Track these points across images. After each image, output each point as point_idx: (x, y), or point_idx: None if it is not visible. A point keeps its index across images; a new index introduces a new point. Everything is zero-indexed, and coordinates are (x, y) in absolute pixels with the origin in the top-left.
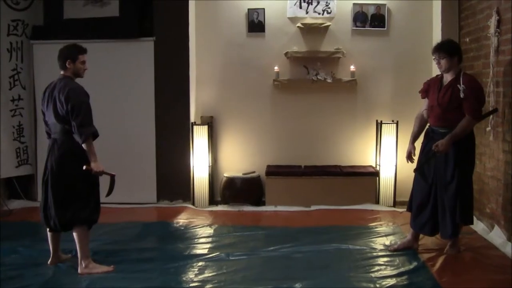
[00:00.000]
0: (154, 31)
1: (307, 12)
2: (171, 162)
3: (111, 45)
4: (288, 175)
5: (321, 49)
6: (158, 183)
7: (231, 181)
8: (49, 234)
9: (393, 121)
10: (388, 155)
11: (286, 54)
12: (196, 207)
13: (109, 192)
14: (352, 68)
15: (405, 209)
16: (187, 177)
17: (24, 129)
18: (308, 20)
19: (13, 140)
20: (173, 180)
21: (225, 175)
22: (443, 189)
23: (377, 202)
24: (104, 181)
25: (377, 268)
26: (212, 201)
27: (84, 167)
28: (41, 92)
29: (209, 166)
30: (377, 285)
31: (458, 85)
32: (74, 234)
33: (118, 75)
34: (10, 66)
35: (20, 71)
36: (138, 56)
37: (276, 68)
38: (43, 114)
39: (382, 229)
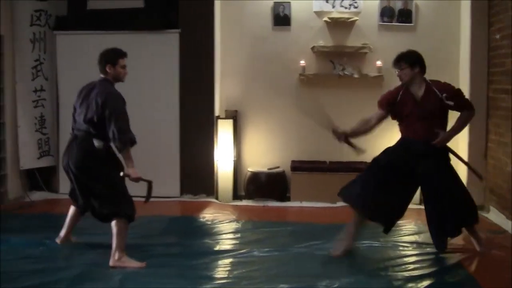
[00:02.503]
0: (179, 23)
1: (333, 6)
2: (195, 156)
3: (135, 37)
4: (313, 170)
5: (347, 44)
6: (182, 177)
7: (255, 176)
8: (72, 211)
9: None
10: None
11: (312, 48)
12: (220, 201)
13: (147, 199)
14: (378, 63)
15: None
16: (211, 171)
17: (46, 120)
18: (335, 15)
19: (35, 131)
20: (197, 174)
21: (250, 169)
22: (439, 196)
23: None
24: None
25: (412, 266)
26: (236, 195)
27: (122, 174)
28: (64, 83)
29: (233, 161)
30: (418, 285)
31: (439, 95)
32: (113, 227)
33: (142, 68)
34: (33, 56)
35: (43, 62)
36: (163, 49)
37: (302, 62)
38: (74, 109)
39: (410, 226)
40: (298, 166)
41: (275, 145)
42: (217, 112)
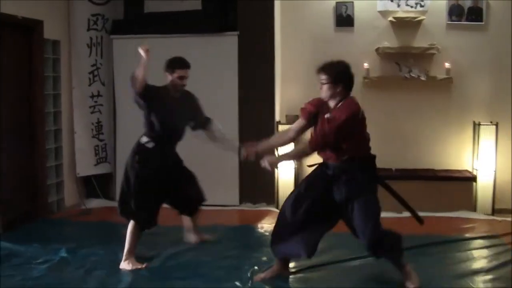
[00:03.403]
0: (238, 25)
1: (398, 6)
2: (255, 163)
3: (193, 40)
4: None
5: (414, 45)
6: (241, 185)
7: None
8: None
9: (491, 122)
10: (486, 159)
11: (377, 50)
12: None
13: None
14: (447, 65)
15: None
16: (272, 179)
17: (103, 126)
18: (400, 14)
19: (92, 138)
20: (257, 182)
21: None
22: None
23: (473, 209)
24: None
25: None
26: None
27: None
28: (120, 88)
29: (294, 168)
30: None
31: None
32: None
33: (199, 72)
34: (90, 61)
35: (99, 67)
36: (221, 51)
37: (366, 64)
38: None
39: (481, 240)
40: None
41: None
42: (277, 117)
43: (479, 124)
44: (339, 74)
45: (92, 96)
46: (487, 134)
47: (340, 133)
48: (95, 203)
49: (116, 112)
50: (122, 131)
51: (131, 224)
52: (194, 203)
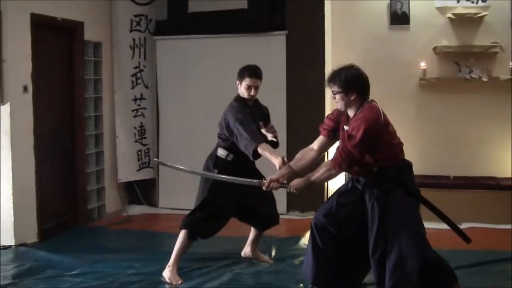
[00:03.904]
0: (286, 24)
1: (458, 1)
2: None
3: (239, 40)
4: (436, 187)
5: (475, 43)
6: (288, 192)
7: None
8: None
9: None
10: None
11: (434, 49)
12: None
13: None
14: (511, 64)
15: None
16: (321, 185)
17: (146, 130)
18: (460, 10)
19: (134, 142)
20: (305, 189)
21: None
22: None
23: None
24: None
25: None
26: None
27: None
28: (164, 90)
29: (344, 173)
30: None
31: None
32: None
33: None
34: (133, 63)
35: (142, 69)
36: (269, 52)
37: (423, 65)
38: None
39: None
40: (418, 182)
41: None
42: None
43: None
44: (349, 81)
45: (135, 99)
46: None
47: (363, 147)
48: (137, 209)
49: (160, 115)
50: (165, 135)
51: (182, 232)
52: (265, 224)
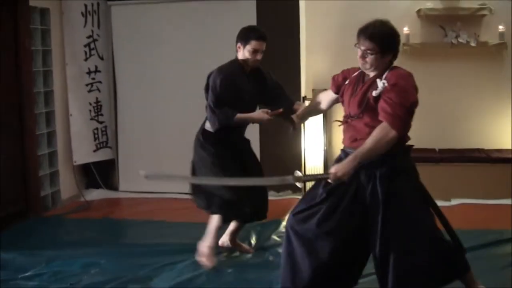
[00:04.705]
0: None
1: None
2: (278, 144)
3: (206, 6)
4: (421, 160)
5: (461, 5)
6: (264, 169)
7: None
8: None
9: None
10: None
11: (418, 12)
12: None
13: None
14: (501, 28)
15: None
16: (298, 162)
17: (102, 106)
18: None
19: (90, 120)
20: (281, 166)
21: None
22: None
23: None
24: None
25: None
26: None
27: None
28: (121, 62)
29: (324, 150)
30: None
31: (378, 80)
32: None
33: (213, 43)
34: (85, 32)
35: (96, 39)
36: (237, 19)
37: (405, 29)
38: None
39: None
40: None
41: None
42: (303, 92)
43: None
44: (390, 42)
45: (89, 73)
46: None
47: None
48: (95, 194)
49: (117, 90)
50: (124, 111)
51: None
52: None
